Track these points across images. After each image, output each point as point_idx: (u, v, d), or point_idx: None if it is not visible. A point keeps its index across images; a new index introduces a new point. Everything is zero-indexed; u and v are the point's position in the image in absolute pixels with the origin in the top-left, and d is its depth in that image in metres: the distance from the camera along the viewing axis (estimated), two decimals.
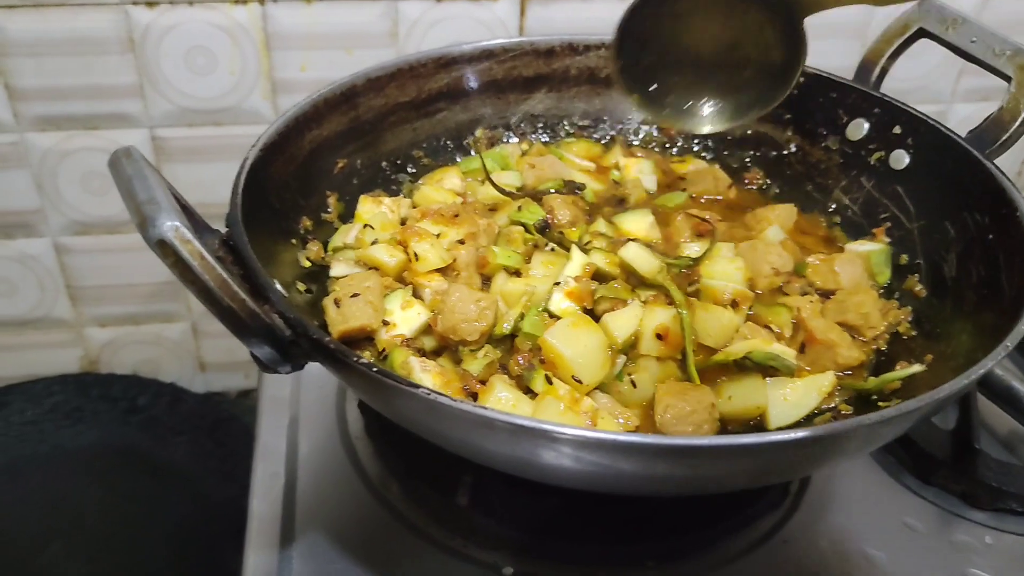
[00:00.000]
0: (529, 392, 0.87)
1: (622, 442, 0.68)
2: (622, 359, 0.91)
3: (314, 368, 0.80)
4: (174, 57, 1.32)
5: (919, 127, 1.08)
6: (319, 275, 1.02)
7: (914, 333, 0.98)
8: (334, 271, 1.02)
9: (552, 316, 0.93)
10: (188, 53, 1.32)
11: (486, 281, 1.00)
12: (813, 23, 1.00)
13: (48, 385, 1.58)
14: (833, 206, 1.17)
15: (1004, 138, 0.99)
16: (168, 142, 1.40)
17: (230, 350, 1.66)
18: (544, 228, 1.04)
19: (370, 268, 1.00)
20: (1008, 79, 0.99)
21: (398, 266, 0.99)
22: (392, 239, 1.02)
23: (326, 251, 1.05)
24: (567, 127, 1.30)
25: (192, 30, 1.30)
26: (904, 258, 1.06)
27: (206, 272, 0.70)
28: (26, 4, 1.25)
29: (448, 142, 1.24)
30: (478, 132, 1.25)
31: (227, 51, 1.33)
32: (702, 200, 1.19)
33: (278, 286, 0.81)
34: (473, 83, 1.22)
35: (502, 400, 0.84)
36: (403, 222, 1.07)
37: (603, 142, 1.30)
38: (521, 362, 0.89)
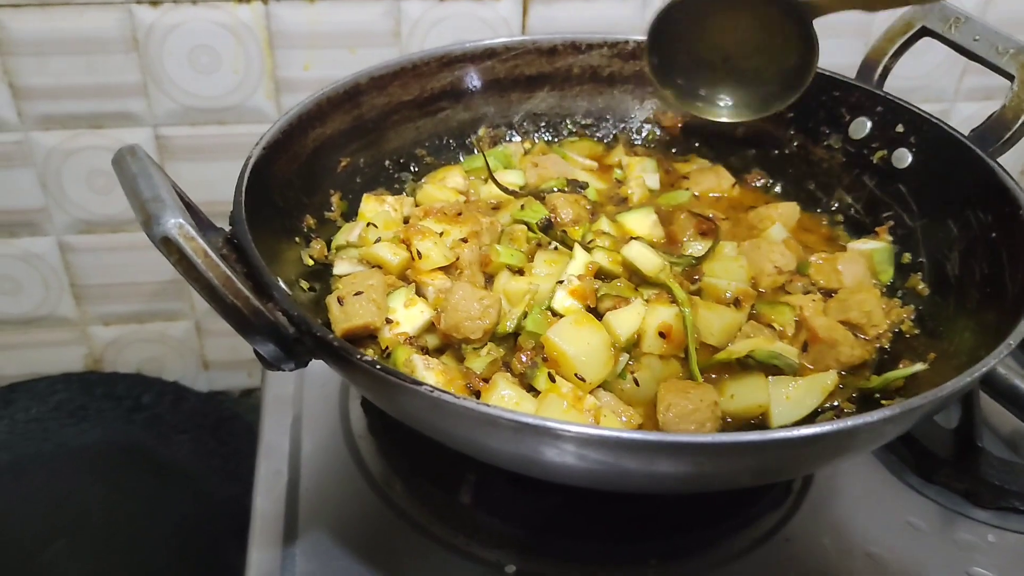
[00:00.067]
0: (532, 390, 0.87)
1: (625, 439, 0.68)
2: (625, 357, 0.92)
3: (317, 366, 0.81)
4: (178, 56, 1.32)
5: (922, 125, 1.08)
6: (322, 273, 1.02)
7: (917, 331, 0.98)
8: (337, 269, 1.02)
9: (555, 314, 0.93)
10: (192, 52, 1.32)
11: (489, 279, 1.00)
12: (817, 21, 1.01)
13: (52, 383, 1.58)
14: (836, 205, 1.17)
15: (1007, 136, 0.99)
16: (172, 141, 1.40)
17: (233, 348, 1.66)
18: (547, 227, 1.04)
19: (373, 266, 1.00)
20: (1011, 78, 0.99)
21: (401, 264, 0.99)
22: (395, 237, 1.02)
23: (329, 249, 1.05)
24: (570, 126, 1.30)
25: (196, 29, 1.30)
26: (907, 256, 1.06)
27: (210, 269, 0.70)
28: (31, 3, 1.25)
29: (451, 141, 1.24)
30: (481, 131, 1.25)
31: (231, 50, 1.33)
32: (706, 198, 1.19)
33: (281, 284, 0.82)
34: (476, 82, 1.22)
35: (505, 398, 0.84)
36: (406, 220, 1.07)
37: (606, 141, 1.30)
38: (524, 360, 0.89)
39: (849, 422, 0.69)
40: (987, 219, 0.96)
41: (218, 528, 1.40)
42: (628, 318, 0.92)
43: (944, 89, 1.57)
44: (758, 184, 1.23)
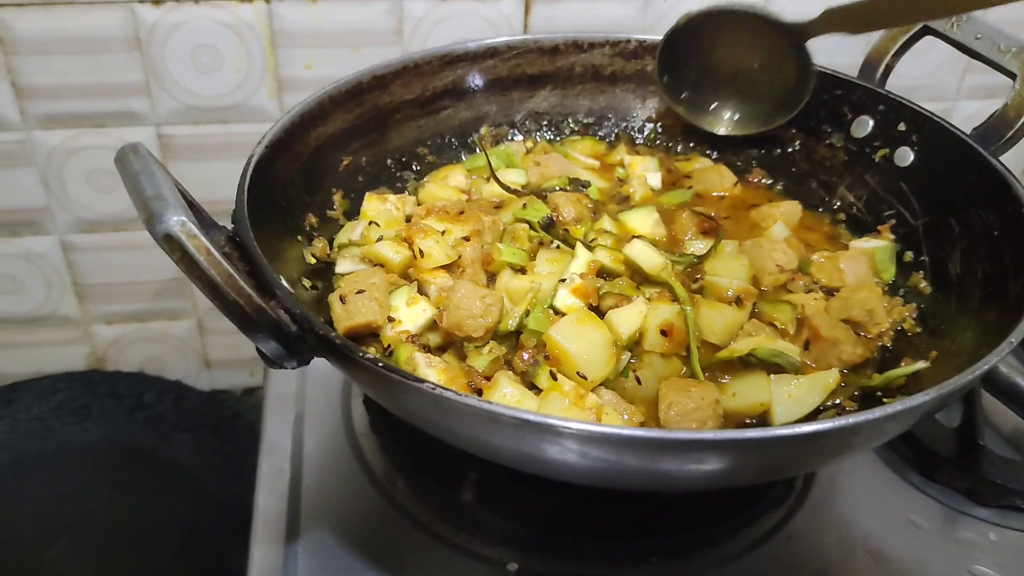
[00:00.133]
0: (534, 388, 0.87)
1: (627, 436, 0.68)
2: (626, 355, 0.92)
3: (319, 364, 0.81)
4: (180, 55, 1.32)
5: (924, 124, 1.08)
6: (324, 272, 1.02)
7: (918, 330, 0.98)
8: (339, 268, 1.02)
9: (557, 313, 0.93)
10: (194, 51, 1.32)
11: (491, 278, 1.00)
12: None
13: (55, 382, 1.58)
14: (838, 203, 1.17)
15: (1009, 135, 0.99)
16: (174, 140, 1.40)
17: (235, 347, 1.66)
18: (549, 225, 1.04)
19: (375, 265, 1.00)
20: (1013, 76, 0.99)
21: (403, 263, 0.99)
22: (397, 236, 1.03)
23: (331, 248, 1.05)
24: (572, 125, 1.30)
25: (198, 28, 1.30)
26: (909, 255, 1.06)
27: (212, 267, 0.70)
28: (34, 2, 1.25)
29: (453, 140, 1.24)
30: (483, 130, 1.25)
31: (233, 49, 1.33)
32: (708, 197, 1.19)
33: (284, 282, 0.82)
34: (478, 81, 1.23)
35: (507, 396, 0.84)
36: (408, 219, 1.08)
37: (608, 140, 1.30)
38: (526, 358, 0.89)
39: (851, 419, 0.69)
40: (989, 218, 0.96)
41: (220, 526, 1.40)
42: (630, 316, 0.92)
43: (946, 88, 1.57)
44: (760, 183, 1.23)
